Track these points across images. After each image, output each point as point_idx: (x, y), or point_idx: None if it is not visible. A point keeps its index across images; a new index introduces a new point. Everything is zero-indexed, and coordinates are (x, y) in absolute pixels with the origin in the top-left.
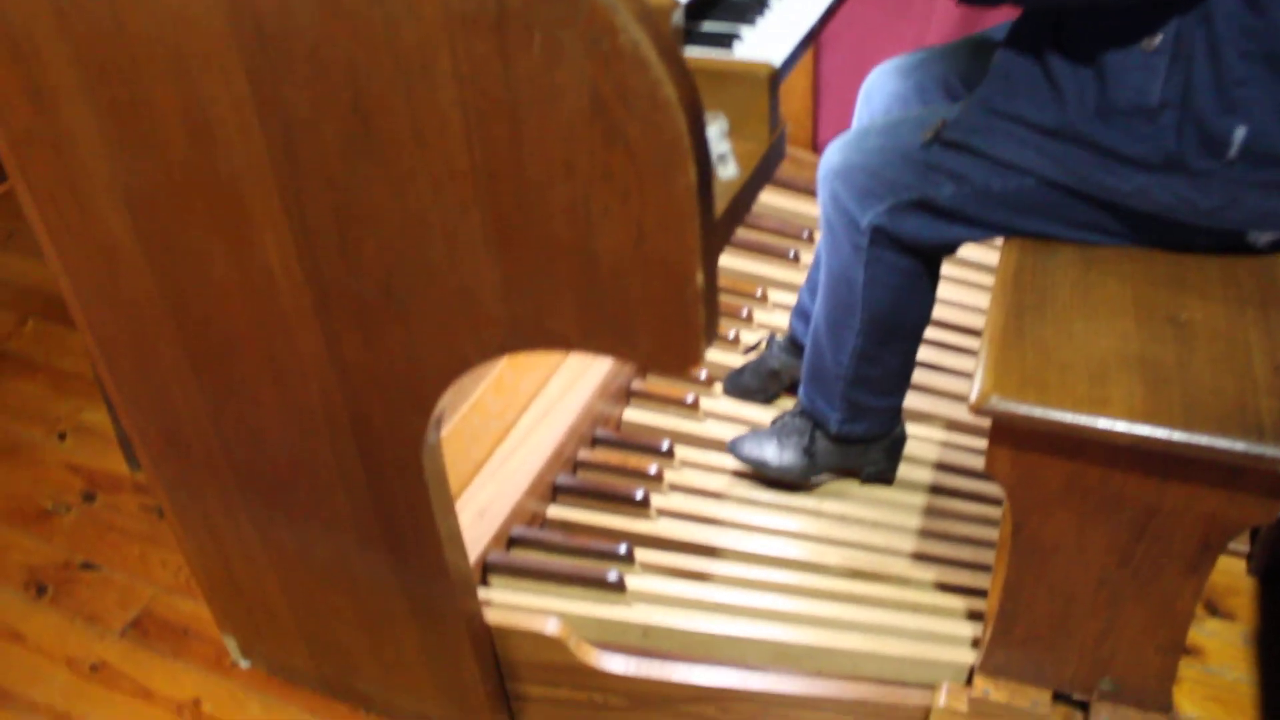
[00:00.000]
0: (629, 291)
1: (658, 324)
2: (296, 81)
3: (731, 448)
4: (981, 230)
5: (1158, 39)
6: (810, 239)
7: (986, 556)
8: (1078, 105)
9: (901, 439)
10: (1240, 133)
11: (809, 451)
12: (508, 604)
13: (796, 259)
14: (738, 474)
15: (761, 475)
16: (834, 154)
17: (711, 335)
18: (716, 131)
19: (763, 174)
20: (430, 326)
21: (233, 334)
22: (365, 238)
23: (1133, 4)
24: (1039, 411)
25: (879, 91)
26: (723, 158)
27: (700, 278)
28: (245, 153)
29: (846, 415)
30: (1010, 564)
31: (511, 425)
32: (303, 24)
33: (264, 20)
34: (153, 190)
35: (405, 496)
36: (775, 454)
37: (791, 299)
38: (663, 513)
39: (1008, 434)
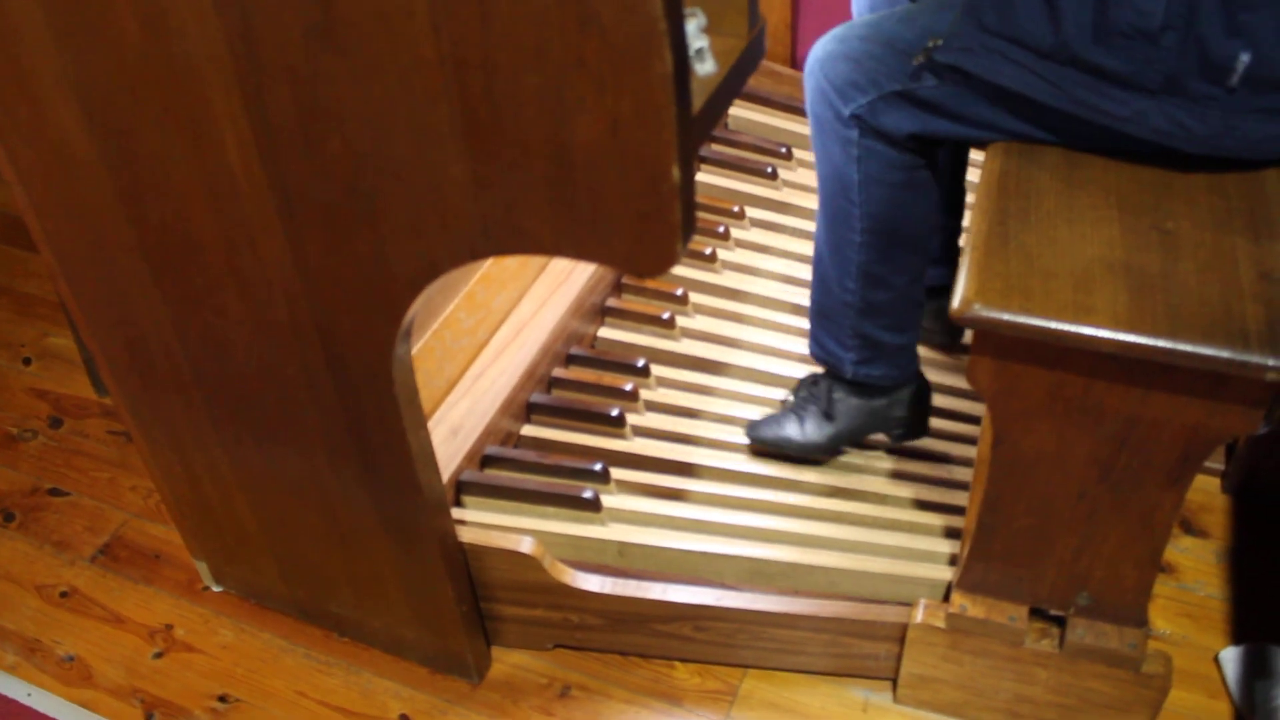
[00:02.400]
0: (603, 187)
1: (633, 222)
2: None
3: (750, 433)
4: (964, 126)
5: None
6: (789, 155)
7: (964, 475)
8: (1075, 25)
9: (926, 390)
10: (1244, 59)
11: (829, 415)
12: (482, 523)
13: (774, 175)
14: (714, 392)
15: (788, 454)
16: (819, 47)
17: (688, 234)
18: (694, 27)
19: (741, 71)
20: (398, 228)
21: (194, 241)
22: (329, 134)
23: None
24: (1022, 319)
25: None
26: (700, 53)
27: (676, 173)
28: (202, 42)
29: (861, 354)
30: (990, 477)
31: (484, 343)
32: None
33: None
34: (106, 85)
35: (376, 411)
36: (796, 429)
37: (770, 215)
38: (638, 431)
39: (990, 343)
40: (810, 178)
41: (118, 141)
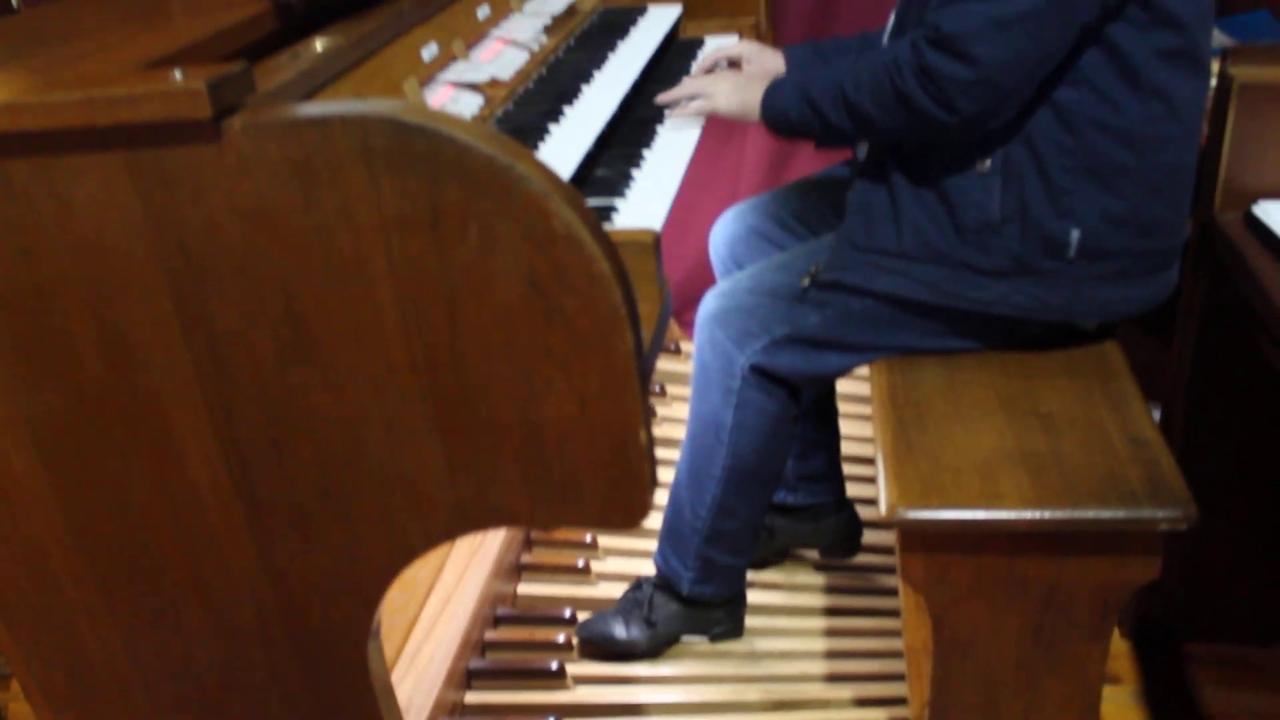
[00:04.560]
0: (576, 459)
1: (605, 485)
2: (225, 295)
3: (579, 631)
4: (851, 354)
5: (988, 162)
6: (663, 393)
7: (894, 666)
8: (932, 229)
9: (743, 598)
10: (1075, 235)
11: (649, 621)
12: None
13: (653, 414)
14: None
15: (612, 651)
16: (710, 301)
17: (653, 486)
18: None
19: (661, 330)
20: (372, 522)
21: (153, 559)
22: (301, 442)
23: (960, 138)
24: (944, 514)
25: (724, 236)
26: None
27: (643, 435)
28: (167, 371)
29: (698, 575)
30: (935, 660)
31: (415, 618)
32: (231, 240)
33: (189, 240)
34: (61, 419)
35: (352, 705)
36: (622, 630)
37: (656, 452)
38: (579, 680)
39: (918, 540)
40: (682, 410)
41: (72, 473)
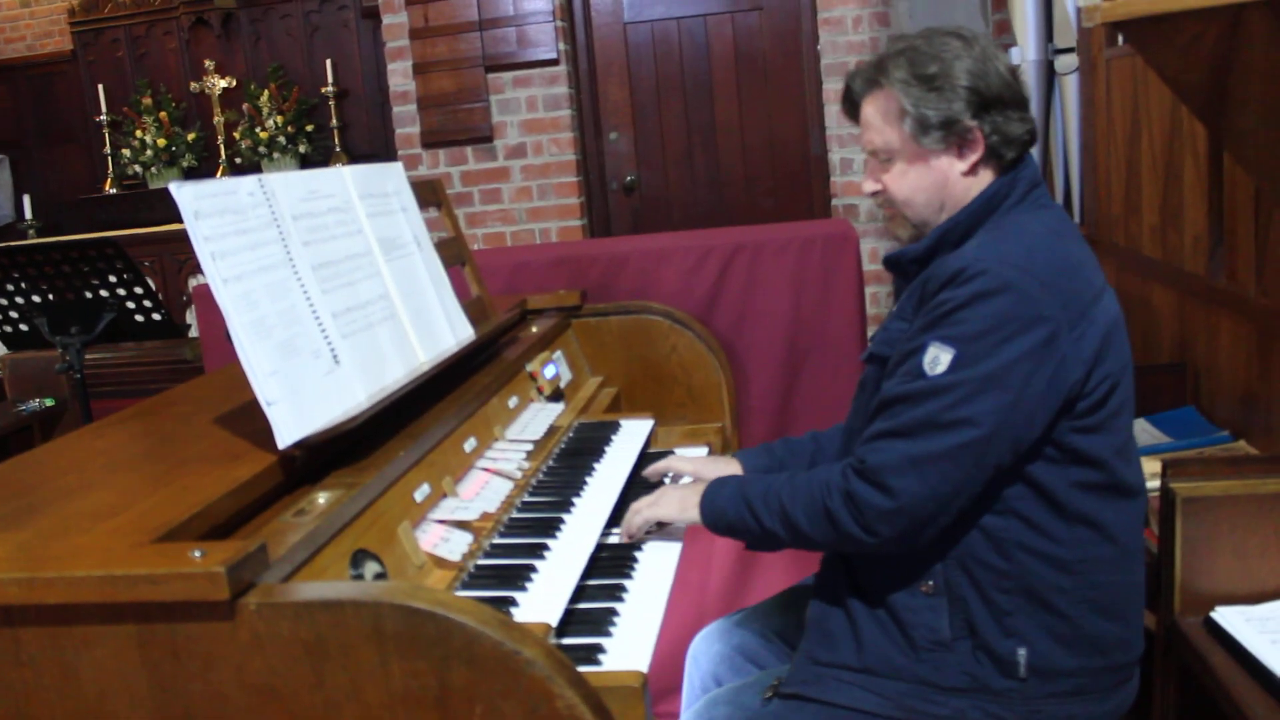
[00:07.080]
0: None
1: None
2: None
3: None
4: None
5: (932, 582)
6: None
7: None
8: (890, 646)
9: None
10: (1022, 654)
11: None
12: None
13: None
14: None
15: None
16: None
17: None
18: None
19: None
20: None
21: None
22: None
23: (896, 554)
24: None
25: (704, 654)
26: None
27: None
28: None
29: None
30: None
31: None
32: (238, 712)
33: (194, 711)
34: None
35: None
36: None
37: None
38: None
39: None
40: None
41: None
